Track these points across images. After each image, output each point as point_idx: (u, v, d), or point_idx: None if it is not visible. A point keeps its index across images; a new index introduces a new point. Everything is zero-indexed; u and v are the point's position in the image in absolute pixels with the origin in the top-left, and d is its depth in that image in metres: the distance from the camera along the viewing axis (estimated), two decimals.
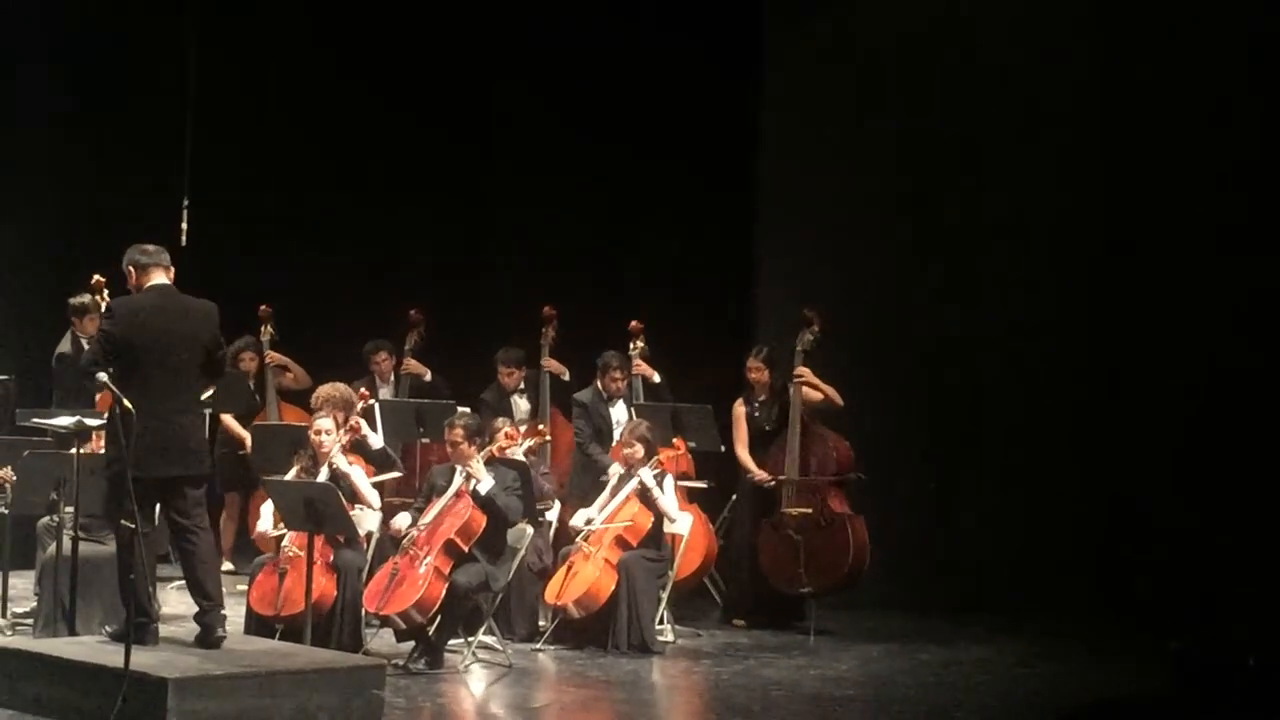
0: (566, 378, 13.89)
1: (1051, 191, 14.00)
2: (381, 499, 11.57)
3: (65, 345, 13.59)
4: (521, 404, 13.76)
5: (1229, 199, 13.26)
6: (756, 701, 10.57)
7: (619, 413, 13.21)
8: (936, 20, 14.44)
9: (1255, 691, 10.35)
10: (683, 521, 12.24)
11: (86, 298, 12.64)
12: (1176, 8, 13.59)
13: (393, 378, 14.40)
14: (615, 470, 12.36)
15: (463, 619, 11.19)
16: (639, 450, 12.12)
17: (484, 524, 11.14)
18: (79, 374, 10.61)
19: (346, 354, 14.51)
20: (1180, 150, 13.45)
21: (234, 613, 10.81)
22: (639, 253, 15.75)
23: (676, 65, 15.33)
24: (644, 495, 12.05)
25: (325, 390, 11.69)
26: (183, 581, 10.40)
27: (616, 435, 12.84)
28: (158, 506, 10.01)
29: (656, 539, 12.11)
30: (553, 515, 12.62)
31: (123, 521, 9.51)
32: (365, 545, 11.46)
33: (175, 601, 12.00)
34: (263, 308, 14.51)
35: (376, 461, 11.54)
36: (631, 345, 13.52)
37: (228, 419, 14.18)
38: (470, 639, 11.27)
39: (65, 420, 10.96)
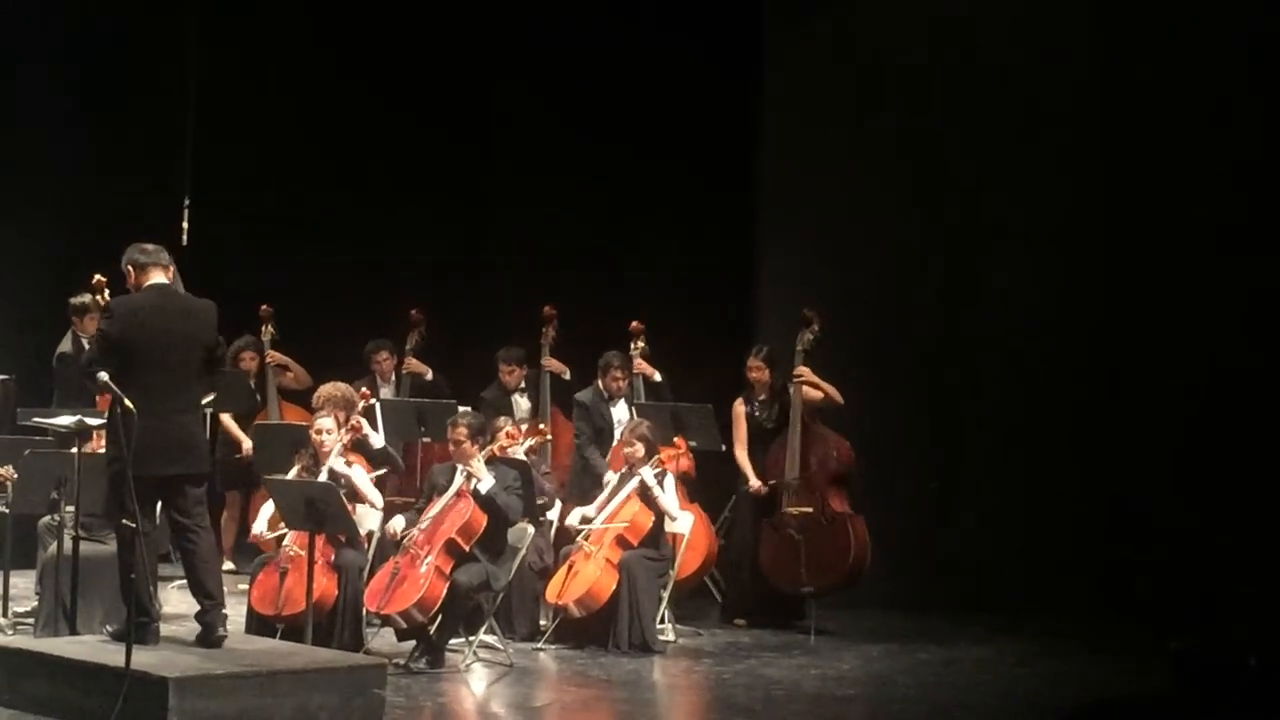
0: (567, 376, 13.90)
1: (1051, 191, 14.00)
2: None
3: (66, 345, 13.60)
4: (522, 403, 13.77)
5: (1229, 199, 13.26)
6: (757, 701, 10.58)
7: (620, 412, 13.21)
8: (936, 20, 14.44)
9: (1255, 692, 10.35)
10: (684, 521, 12.24)
11: (87, 297, 12.65)
12: (1176, 8, 13.59)
13: (394, 377, 14.41)
14: (611, 477, 12.37)
15: (464, 618, 11.18)
16: (639, 449, 12.13)
17: (485, 523, 11.14)
18: (80, 373, 10.60)
19: (347, 353, 14.52)
20: (1180, 150, 13.44)
21: (235, 612, 10.82)
22: (639, 253, 15.76)
23: (676, 65, 15.34)
24: (644, 494, 12.05)
25: (326, 390, 11.70)
26: (184, 581, 10.41)
27: (618, 435, 12.83)
28: (159, 505, 10.00)
29: (657, 538, 12.11)
30: (554, 514, 12.62)
31: (123, 521, 9.50)
32: (366, 545, 11.46)
33: (176, 601, 11.99)
34: (263, 307, 14.52)
35: (378, 461, 11.54)
36: (632, 345, 13.52)
37: (226, 420, 14.18)
38: (471, 638, 11.27)
39: (66, 420, 10.96)
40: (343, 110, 16.35)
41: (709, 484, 13.37)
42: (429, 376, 14.40)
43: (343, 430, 11.34)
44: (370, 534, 11.55)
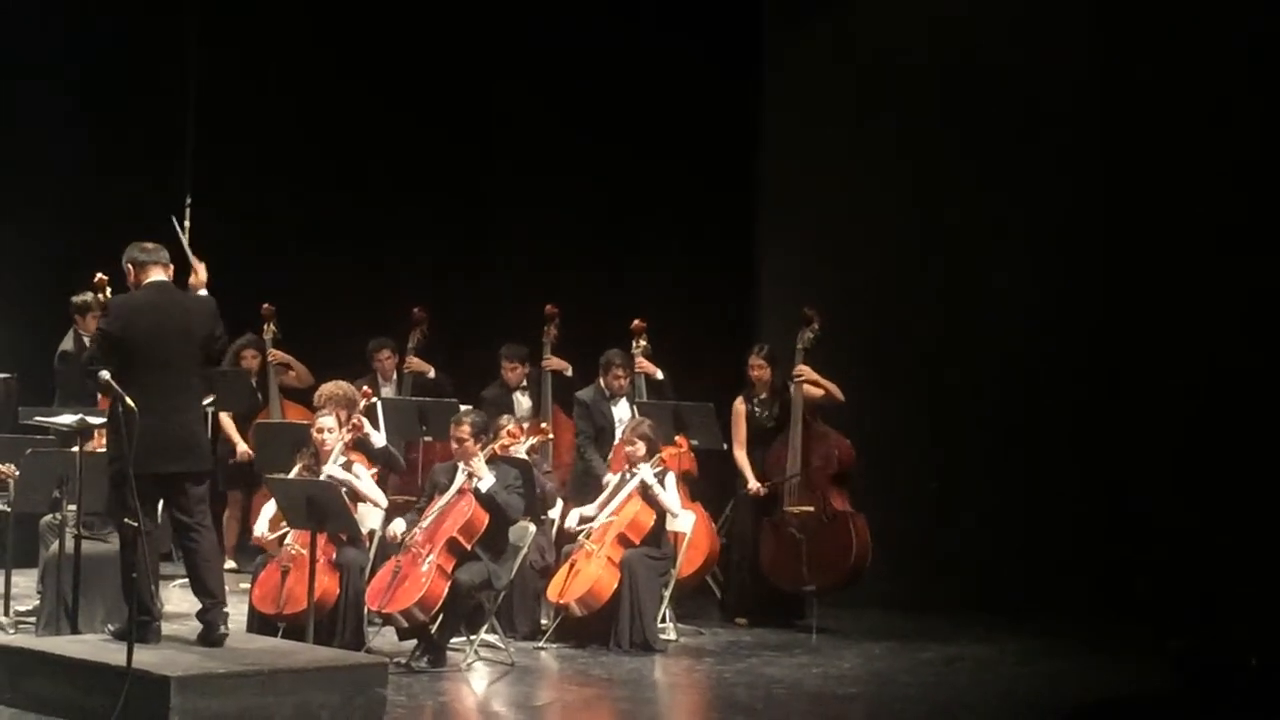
0: (569, 373, 13.89)
1: (1051, 191, 13.99)
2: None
3: (68, 343, 13.61)
4: (524, 402, 13.77)
5: (1229, 199, 13.26)
6: (759, 700, 10.58)
7: (621, 411, 13.20)
8: (936, 20, 14.44)
9: (1255, 691, 10.36)
10: (685, 519, 12.24)
11: (88, 296, 12.67)
12: (1176, 8, 13.59)
13: (395, 376, 14.41)
14: (610, 478, 12.37)
15: (465, 617, 11.18)
16: (641, 448, 12.13)
17: (486, 522, 11.14)
18: (81, 373, 10.61)
19: (347, 353, 14.52)
20: (1180, 150, 13.44)
21: (236, 611, 10.83)
22: (639, 253, 15.77)
23: (676, 65, 15.35)
24: (645, 493, 12.06)
25: (328, 388, 11.70)
26: (185, 579, 10.44)
27: (619, 434, 12.83)
28: (160, 504, 10.01)
29: (659, 537, 12.12)
30: (555, 513, 12.61)
31: (125, 520, 9.51)
32: (368, 543, 11.46)
33: (178, 599, 12.01)
34: (265, 306, 14.51)
35: (379, 460, 11.54)
36: (634, 343, 13.52)
37: (224, 421, 14.15)
38: (473, 637, 11.26)
39: (68, 418, 10.98)
40: (343, 110, 16.35)
41: (710, 483, 13.36)
42: (431, 375, 14.40)
43: (344, 429, 11.34)
44: (372, 533, 11.55)
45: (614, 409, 13.23)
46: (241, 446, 14.09)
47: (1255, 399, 13.01)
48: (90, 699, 9.22)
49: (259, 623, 11.03)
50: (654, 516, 12.05)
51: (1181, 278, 13.43)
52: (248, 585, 11.51)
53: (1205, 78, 13.38)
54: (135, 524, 9.42)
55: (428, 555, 11.04)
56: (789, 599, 12.83)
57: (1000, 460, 14.00)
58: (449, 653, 11.12)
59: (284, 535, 11.15)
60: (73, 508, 10.74)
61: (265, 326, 14.49)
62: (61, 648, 9.80)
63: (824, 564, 12.59)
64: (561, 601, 11.85)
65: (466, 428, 11.36)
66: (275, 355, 14.50)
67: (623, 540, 11.96)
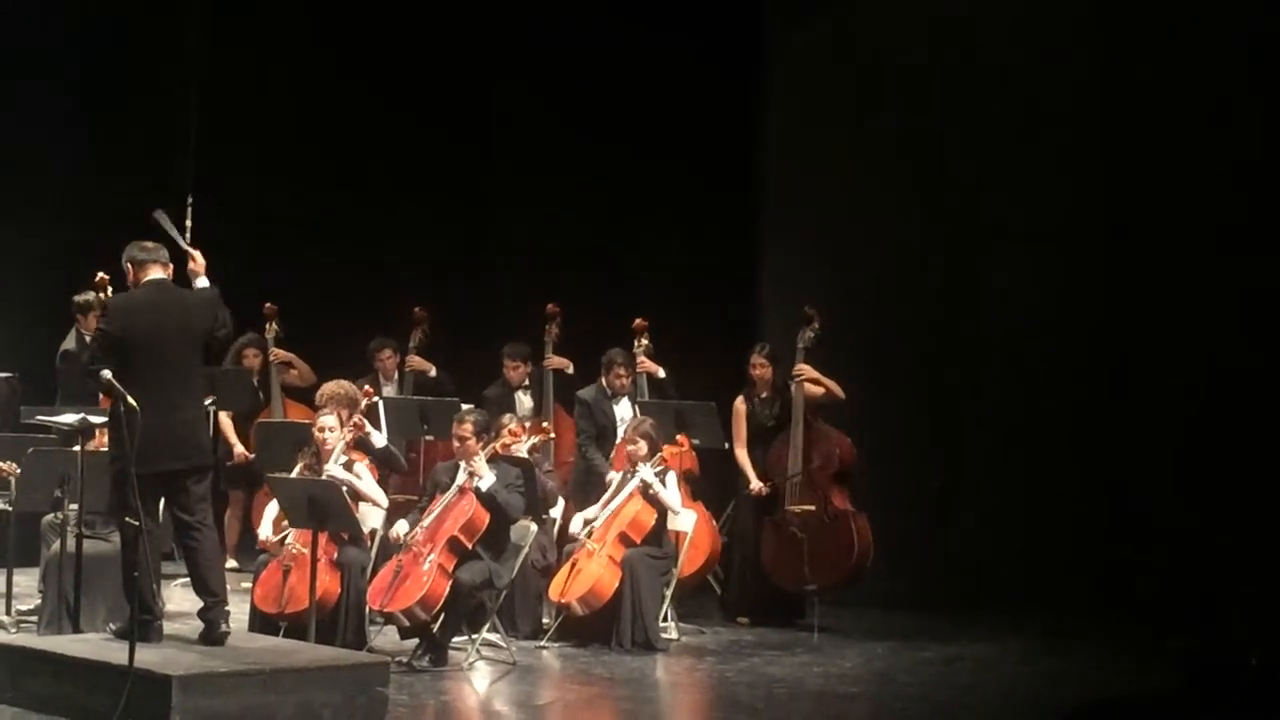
0: (570, 371, 13.89)
1: (1051, 191, 14.00)
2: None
3: (70, 342, 13.60)
4: (525, 401, 13.77)
5: (1229, 199, 13.25)
6: (760, 699, 10.59)
7: (623, 410, 13.19)
8: (936, 20, 14.46)
9: (1255, 691, 10.37)
10: (687, 518, 12.25)
11: (90, 295, 12.66)
12: (1176, 8, 13.58)
13: (397, 375, 14.41)
14: (614, 477, 12.37)
15: (466, 616, 11.18)
16: (642, 447, 12.13)
17: (487, 521, 11.14)
18: (82, 372, 10.61)
19: (347, 353, 14.51)
20: (1180, 150, 13.44)
21: (238, 610, 10.85)
22: (639, 253, 15.79)
23: (676, 65, 15.36)
24: (646, 492, 12.06)
25: (330, 387, 11.69)
26: (187, 578, 10.43)
27: (620, 432, 12.83)
28: (162, 503, 10.01)
29: (660, 536, 12.12)
30: (557, 512, 12.61)
31: (126, 519, 9.51)
32: (369, 542, 11.45)
33: (179, 599, 12.01)
34: (268, 305, 14.51)
35: (380, 459, 11.54)
36: (635, 342, 13.52)
37: (224, 422, 14.13)
38: (474, 636, 11.26)
39: (69, 418, 10.98)
40: (343, 110, 16.35)
41: (712, 482, 13.35)
42: (432, 374, 14.39)
43: (345, 428, 11.34)
44: (373, 532, 11.54)
45: (616, 408, 13.22)
46: (239, 448, 14.09)
47: (1255, 399, 13.00)
48: (92, 698, 9.22)
49: (260, 622, 11.03)
50: (655, 515, 12.06)
51: (1181, 278, 13.43)
52: (249, 584, 11.51)
53: (1205, 78, 13.37)
54: (137, 523, 9.42)
55: (429, 554, 11.04)
56: (790, 598, 12.83)
57: (1000, 460, 14.01)
58: (451, 652, 11.12)
59: (284, 538, 11.15)
60: (74, 507, 10.73)
61: (267, 325, 14.49)
62: (63, 647, 9.80)
63: (825, 563, 12.59)
64: (563, 601, 11.85)
65: (468, 426, 11.35)
66: (277, 354, 14.49)
67: (624, 539, 11.96)
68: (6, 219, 15.34)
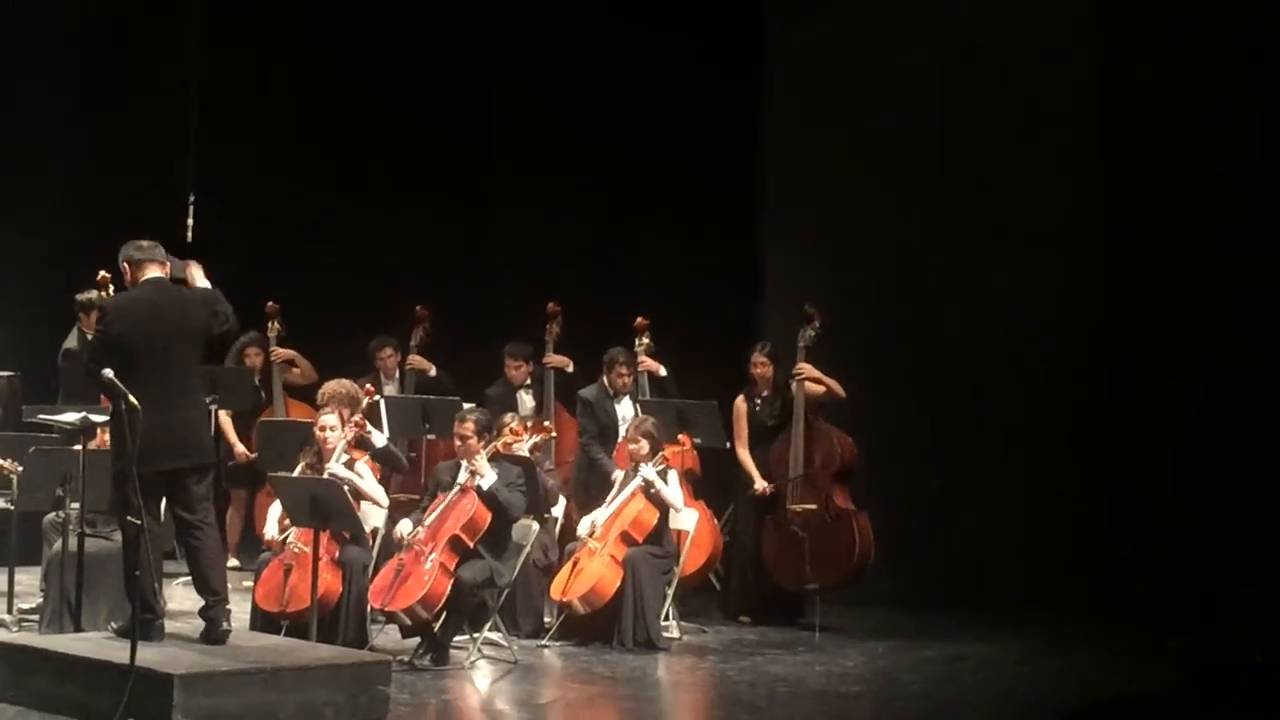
0: (570, 369, 13.90)
1: (1051, 191, 14.00)
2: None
3: (72, 341, 13.60)
4: (527, 400, 13.78)
5: (1229, 199, 13.25)
6: (762, 698, 10.59)
7: (625, 409, 13.20)
8: (936, 20, 14.46)
9: (1256, 691, 10.38)
10: (688, 517, 12.25)
11: (93, 293, 12.65)
12: (1176, 8, 13.58)
13: (398, 374, 14.41)
14: (618, 476, 12.38)
15: (468, 615, 11.18)
16: (644, 446, 12.13)
17: (489, 520, 11.14)
18: (84, 373, 10.61)
19: (347, 352, 14.50)
20: (1180, 150, 13.44)
21: (239, 609, 10.82)
22: (639, 253, 15.79)
23: (676, 65, 15.36)
24: (648, 491, 12.07)
25: (331, 386, 11.69)
26: (188, 577, 10.44)
27: (623, 432, 12.84)
28: (163, 502, 10.00)
29: (662, 535, 12.12)
30: (558, 511, 12.61)
31: (128, 517, 9.50)
32: (371, 541, 11.45)
33: (181, 597, 11.99)
34: (270, 304, 14.52)
35: (381, 458, 11.53)
36: (637, 341, 13.54)
37: (224, 421, 14.12)
38: (476, 635, 11.25)
39: (71, 416, 10.97)
40: (343, 110, 16.36)
41: (713, 481, 13.35)
42: (432, 373, 14.39)
43: (346, 427, 11.33)
44: (375, 531, 11.54)
45: (618, 407, 13.24)
46: (239, 447, 14.09)
47: (1255, 399, 13.00)
48: (94, 697, 9.21)
49: (262, 621, 11.02)
50: (657, 514, 12.06)
51: (1181, 278, 13.42)
52: (251, 583, 11.51)
53: (1205, 78, 13.37)
54: (138, 522, 9.39)
55: (430, 553, 11.04)
56: (790, 597, 12.83)
57: (1000, 460, 14.00)
58: (452, 651, 11.12)
59: (289, 534, 11.15)
60: (76, 506, 10.71)
61: (269, 324, 14.49)
62: (65, 646, 9.79)
63: (827, 562, 12.58)
64: (565, 599, 11.86)
65: (470, 425, 11.35)
66: (278, 353, 14.49)
67: (626, 538, 11.96)
68: (6, 219, 15.36)
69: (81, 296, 13.41)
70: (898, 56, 14.56)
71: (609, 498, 12.25)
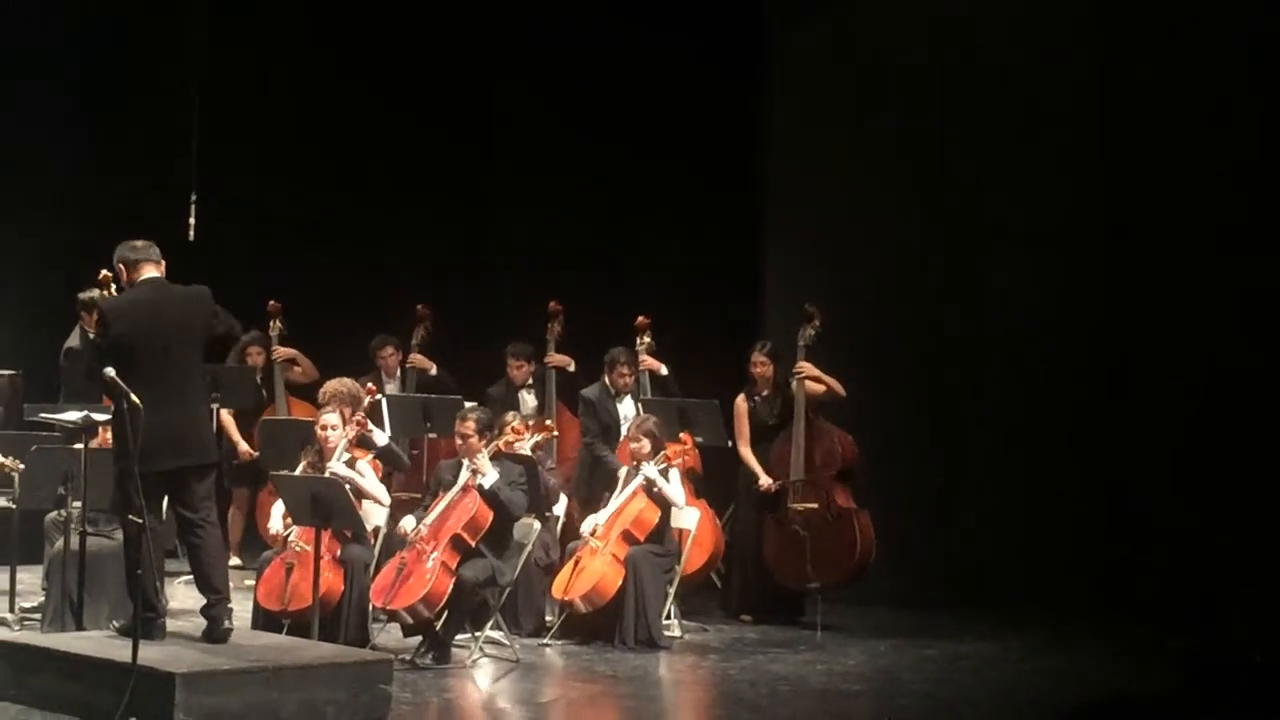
0: (572, 368, 13.91)
1: (1051, 191, 14.01)
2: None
3: (74, 340, 13.57)
4: (528, 399, 13.79)
5: (1229, 199, 13.27)
6: (764, 697, 10.58)
7: (627, 408, 13.21)
8: (936, 20, 14.47)
9: (1256, 691, 10.39)
10: (690, 516, 12.25)
11: (95, 292, 12.55)
12: (1176, 8, 13.60)
13: (399, 372, 14.41)
14: (624, 472, 12.38)
15: (470, 614, 11.18)
16: (646, 445, 12.14)
17: (490, 519, 11.15)
18: (86, 374, 10.61)
19: (347, 352, 14.51)
20: (1180, 150, 13.45)
21: (241, 608, 10.81)
22: (639, 253, 15.80)
23: (676, 65, 15.37)
24: (650, 489, 12.07)
25: (332, 385, 11.69)
26: (190, 576, 10.43)
27: (624, 431, 12.85)
28: (165, 500, 10.00)
29: (663, 534, 12.13)
30: (560, 510, 12.61)
31: (130, 516, 9.50)
32: (372, 540, 11.45)
33: (183, 596, 12.01)
34: (271, 303, 14.52)
35: (383, 457, 11.53)
36: (638, 340, 13.54)
37: (226, 421, 14.13)
38: (477, 634, 11.26)
39: (73, 415, 10.96)
40: (343, 110, 16.37)
41: (715, 480, 13.35)
42: (433, 372, 14.40)
43: (348, 426, 11.33)
44: (376, 529, 11.54)
45: (619, 406, 13.25)
46: (243, 446, 14.09)
47: (1255, 399, 13.01)
48: (95, 695, 9.20)
49: (264, 619, 11.01)
50: (658, 513, 12.07)
51: (1181, 278, 13.44)
52: (252, 582, 11.51)
53: (1205, 78, 13.39)
54: (140, 520, 9.39)
55: (432, 552, 11.04)
56: (791, 596, 12.84)
57: (1000, 460, 14.01)
58: (454, 649, 11.12)
59: (292, 530, 11.15)
60: (78, 504, 10.70)
61: (271, 323, 14.49)
62: (66, 644, 9.78)
63: (829, 561, 12.57)
64: (566, 598, 11.86)
65: (471, 423, 11.34)
66: (280, 352, 14.49)
67: (627, 537, 11.96)
68: (6, 219, 15.36)
69: (84, 295, 13.39)
70: (898, 56, 14.57)
71: (613, 496, 12.26)
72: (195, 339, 9.89)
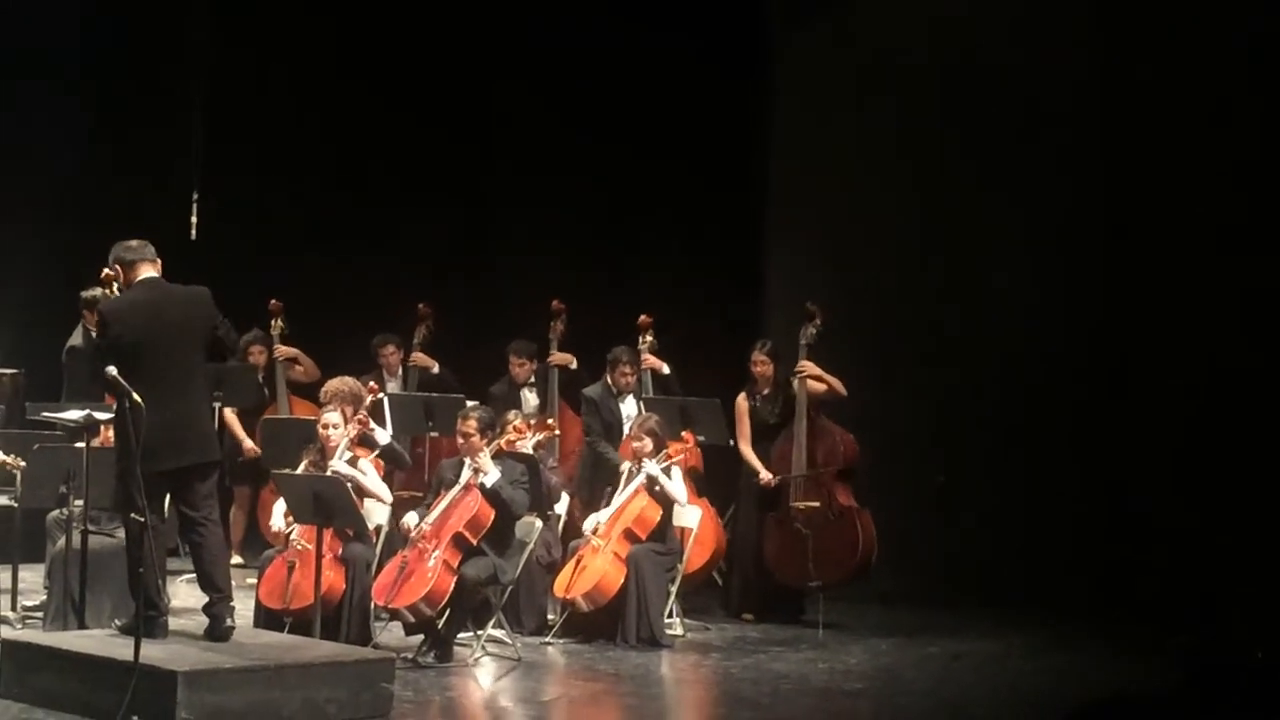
0: (574, 366, 13.92)
1: (1051, 191, 14.03)
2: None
3: (76, 338, 13.57)
4: (530, 398, 13.80)
5: (1229, 199, 13.28)
6: (765, 695, 10.59)
7: (629, 408, 13.22)
8: (936, 20, 14.49)
9: (1257, 690, 10.38)
10: (692, 514, 12.25)
11: (97, 291, 12.55)
12: (1176, 8, 13.61)
13: (400, 371, 14.41)
14: (626, 467, 12.38)
15: (471, 612, 11.18)
16: (648, 444, 12.14)
17: (492, 517, 11.15)
18: (89, 375, 10.62)
19: (348, 353, 14.50)
20: (1180, 150, 13.46)
21: (243, 606, 10.79)
22: (639, 253, 15.80)
23: (676, 65, 15.38)
24: (652, 488, 12.07)
25: (334, 384, 11.68)
26: (192, 574, 10.43)
27: (627, 430, 12.87)
28: (167, 499, 10.00)
29: (665, 532, 12.13)
30: (561, 508, 12.61)
31: (132, 515, 9.50)
32: (374, 539, 11.45)
33: (185, 594, 12.02)
34: (273, 302, 14.53)
35: (384, 456, 11.53)
36: (640, 339, 13.55)
37: (230, 418, 14.14)
38: (479, 632, 11.26)
39: (75, 414, 10.96)
40: (343, 110, 16.37)
41: (716, 479, 13.35)
42: (435, 370, 14.40)
43: (349, 425, 11.34)
44: (378, 528, 11.55)
45: (622, 405, 13.26)
46: (248, 443, 14.08)
47: (1255, 399, 13.02)
48: (97, 694, 9.20)
49: (265, 618, 11.00)
50: (660, 512, 12.07)
51: (1181, 278, 13.45)
52: (254, 580, 11.51)
53: (1205, 78, 13.40)
54: (142, 519, 9.39)
55: (434, 550, 11.03)
56: (793, 594, 12.84)
57: (1000, 460, 14.02)
58: (456, 648, 11.12)
59: (294, 528, 11.15)
60: (79, 503, 10.70)
61: (272, 322, 14.49)
62: (69, 643, 9.77)
63: (831, 560, 12.57)
64: (568, 597, 11.86)
65: (473, 423, 11.34)
66: (282, 351, 14.49)
67: (629, 536, 11.97)
68: (7, 219, 15.35)
69: (86, 294, 13.38)
70: (898, 56, 14.59)
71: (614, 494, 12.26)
72: (196, 338, 9.90)
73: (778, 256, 15.05)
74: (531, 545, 11.54)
